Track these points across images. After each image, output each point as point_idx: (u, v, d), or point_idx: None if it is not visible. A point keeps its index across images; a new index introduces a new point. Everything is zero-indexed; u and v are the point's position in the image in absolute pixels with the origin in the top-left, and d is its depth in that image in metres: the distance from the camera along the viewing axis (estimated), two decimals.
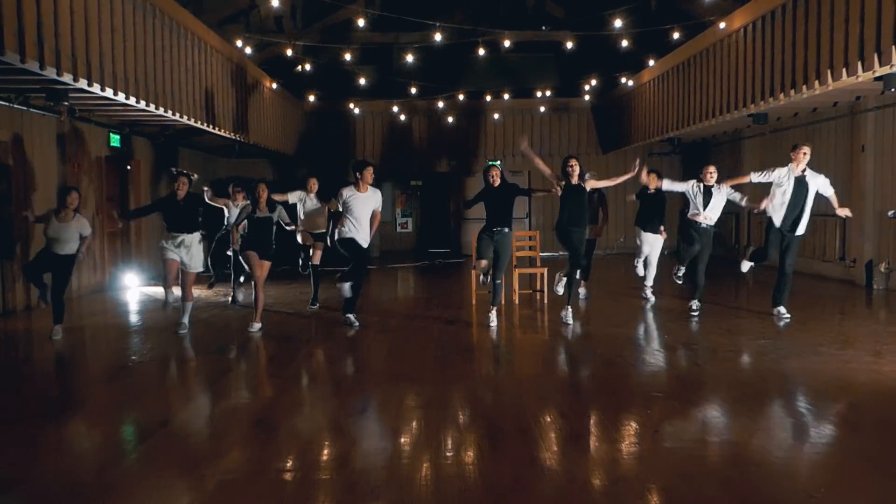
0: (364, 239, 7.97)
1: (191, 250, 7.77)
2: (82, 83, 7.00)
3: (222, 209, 9.72)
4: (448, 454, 4.13)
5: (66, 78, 6.71)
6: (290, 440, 4.49)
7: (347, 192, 7.92)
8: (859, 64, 7.73)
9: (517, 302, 9.71)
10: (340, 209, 7.98)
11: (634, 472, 3.90)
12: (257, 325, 7.88)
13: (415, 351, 7.05)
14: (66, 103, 8.39)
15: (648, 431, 4.51)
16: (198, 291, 10.29)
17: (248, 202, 8.13)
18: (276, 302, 9.98)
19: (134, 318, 9.16)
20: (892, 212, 10.11)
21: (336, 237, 7.99)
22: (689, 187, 8.61)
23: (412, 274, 14.75)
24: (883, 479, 3.76)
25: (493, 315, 8.10)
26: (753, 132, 13.92)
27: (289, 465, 4.05)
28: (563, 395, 5.41)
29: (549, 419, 4.79)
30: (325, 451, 4.31)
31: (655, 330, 8.06)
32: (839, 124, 11.44)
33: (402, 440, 4.42)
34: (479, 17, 15.92)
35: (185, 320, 7.79)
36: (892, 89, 8.51)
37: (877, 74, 7.70)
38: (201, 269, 8.19)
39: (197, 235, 7.88)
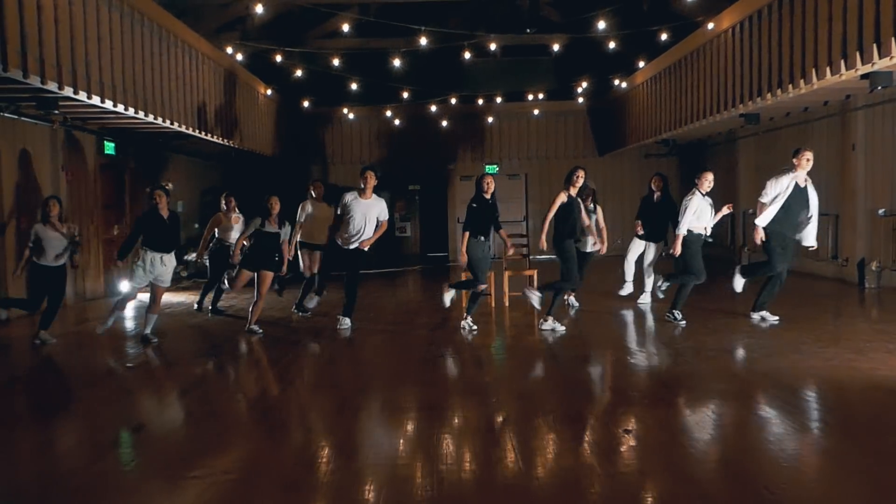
0: (360, 247, 7.98)
1: (168, 266, 7.64)
2: (68, 91, 7.09)
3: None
4: (436, 456, 4.14)
5: (52, 86, 6.80)
6: (277, 442, 4.53)
7: (350, 197, 7.95)
8: (842, 62, 7.74)
9: (508, 304, 9.76)
10: (339, 213, 7.97)
11: (606, 469, 3.92)
12: (257, 328, 7.95)
13: (399, 353, 7.11)
14: (57, 112, 8.49)
15: (618, 430, 4.53)
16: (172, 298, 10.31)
17: (258, 216, 7.95)
18: (267, 307, 10.02)
19: (128, 325, 9.21)
20: (883, 210, 10.09)
21: (334, 244, 7.97)
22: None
23: (410, 278, 14.81)
24: (843, 473, 3.77)
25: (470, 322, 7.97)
26: (747, 132, 13.91)
27: (276, 467, 4.08)
28: (544, 396, 5.43)
29: (530, 419, 4.82)
30: (314, 453, 4.34)
31: (638, 331, 8.06)
32: (830, 123, 11.43)
33: (388, 442, 4.45)
34: (473, 22, 15.98)
35: (150, 331, 7.65)
36: (879, 87, 8.51)
37: (860, 73, 7.70)
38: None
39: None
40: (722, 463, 3.95)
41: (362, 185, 8.00)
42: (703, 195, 7.91)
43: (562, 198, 7.71)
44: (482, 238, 7.73)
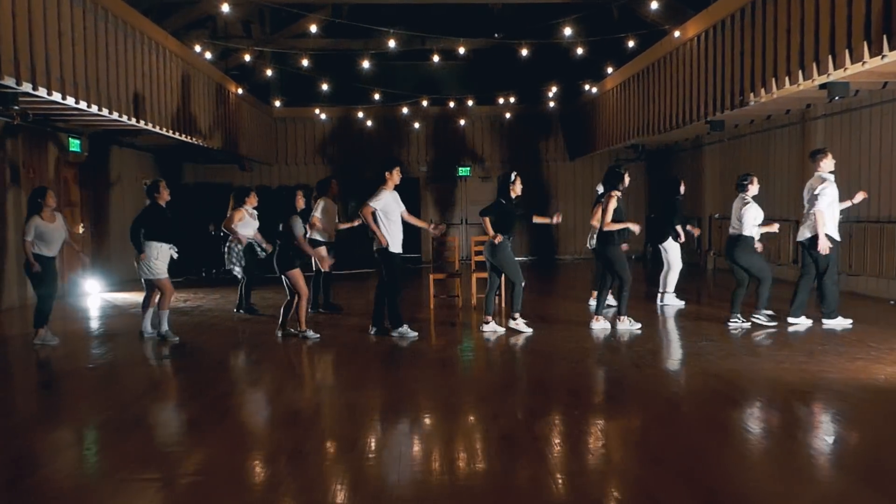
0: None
1: (168, 257, 7.59)
2: (26, 87, 6.99)
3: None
4: (404, 457, 4.16)
5: (9, 81, 6.70)
6: (249, 441, 4.52)
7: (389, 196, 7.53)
8: (800, 73, 7.92)
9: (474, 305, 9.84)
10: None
11: (567, 470, 3.98)
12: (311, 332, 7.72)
13: (376, 355, 7.12)
14: (17, 108, 8.35)
15: (581, 433, 4.59)
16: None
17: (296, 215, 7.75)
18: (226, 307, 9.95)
19: (93, 325, 9.09)
20: (840, 217, 10.28)
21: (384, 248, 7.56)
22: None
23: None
24: (803, 470, 3.87)
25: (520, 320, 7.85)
26: (713, 139, 14.14)
27: (249, 465, 4.07)
28: (502, 397, 5.49)
29: (485, 420, 4.86)
30: (283, 452, 4.34)
31: (599, 333, 8.16)
32: (792, 131, 11.67)
33: (360, 443, 4.45)
34: (443, 26, 16.04)
35: (167, 329, 7.59)
36: (837, 98, 8.71)
37: (817, 83, 7.89)
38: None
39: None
40: (667, 463, 4.02)
41: (387, 178, 7.76)
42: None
43: (614, 201, 7.64)
44: (510, 237, 7.68)
